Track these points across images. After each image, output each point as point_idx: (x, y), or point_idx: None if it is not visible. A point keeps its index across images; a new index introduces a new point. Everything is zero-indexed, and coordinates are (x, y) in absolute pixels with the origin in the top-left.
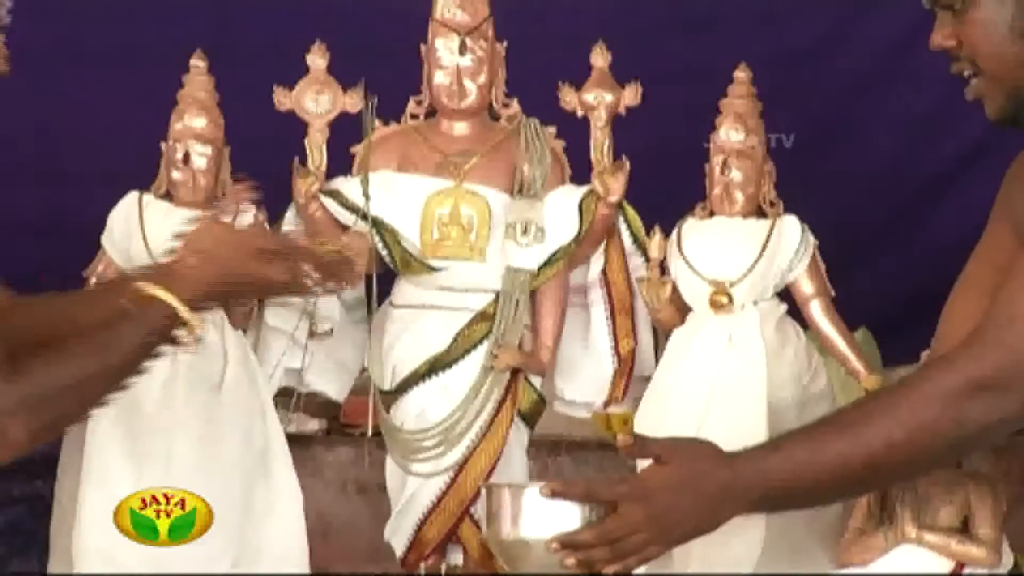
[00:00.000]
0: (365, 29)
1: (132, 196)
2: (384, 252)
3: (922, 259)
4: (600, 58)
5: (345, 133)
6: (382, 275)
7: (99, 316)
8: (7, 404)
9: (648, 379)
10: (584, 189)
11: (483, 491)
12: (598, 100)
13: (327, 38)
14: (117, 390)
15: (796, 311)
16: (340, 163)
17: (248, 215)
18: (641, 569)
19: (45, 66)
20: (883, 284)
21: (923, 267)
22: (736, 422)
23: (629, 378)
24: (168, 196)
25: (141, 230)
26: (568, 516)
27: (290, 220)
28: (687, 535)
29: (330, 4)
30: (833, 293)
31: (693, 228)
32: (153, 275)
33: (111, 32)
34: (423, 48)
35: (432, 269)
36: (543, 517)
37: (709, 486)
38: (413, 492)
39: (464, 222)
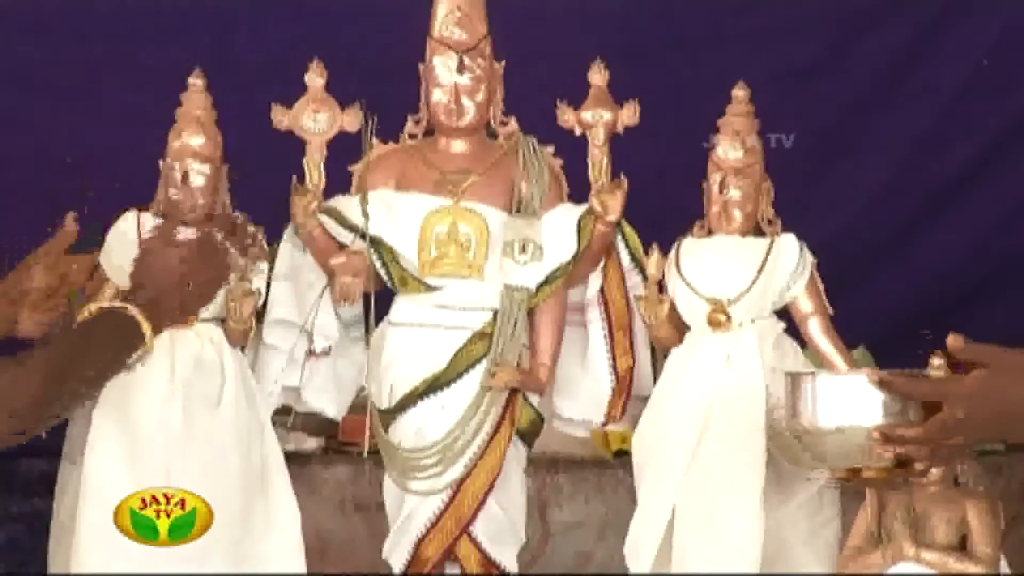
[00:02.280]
0: (363, 48)
1: (130, 214)
2: (382, 270)
3: (921, 277)
4: (598, 77)
5: (343, 151)
6: (380, 293)
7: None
8: None
9: (646, 398)
10: (582, 207)
11: (787, 379)
12: (596, 118)
13: (325, 57)
14: (91, 385)
15: (795, 329)
16: (338, 182)
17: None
18: (642, 569)
19: (44, 84)
20: (882, 302)
21: (922, 285)
22: (734, 440)
23: (627, 396)
24: (166, 215)
25: (139, 249)
26: (868, 408)
27: (288, 238)
28: (991, 439)
29: (328, 23)
30: (832, 311)
31: (691, 246)
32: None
33: (110, 51)
34: (421, 67)
35: (430, 287)
36: (844, 406)
37: (1011, 398)
38: (411, 510)
39: (462, 240)
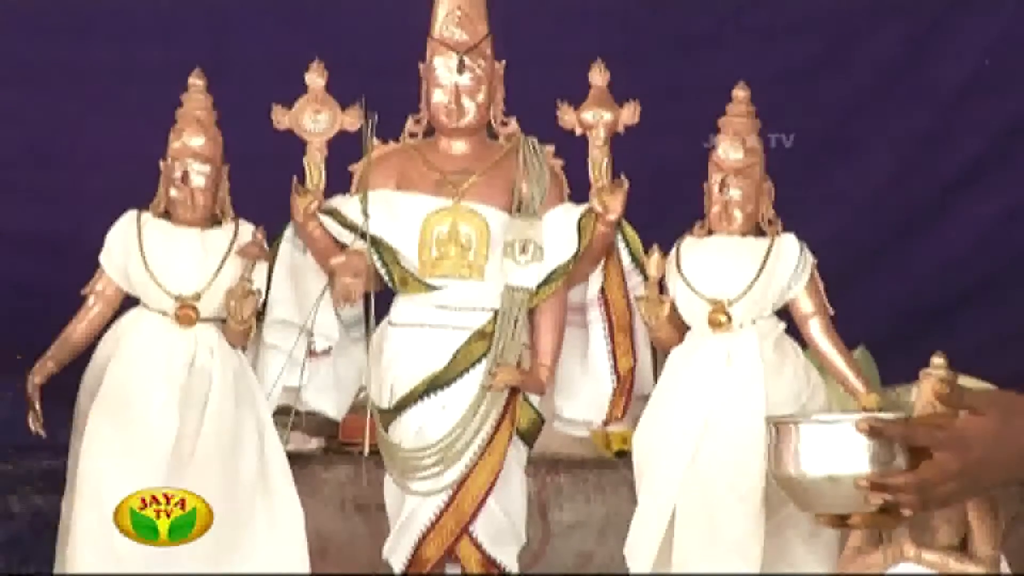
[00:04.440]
0: (363, 47)
1: (131, 214)
2: (383, 270)
3: (921, 277)
4: (599, 76)
5: (343, 151)
6: (380, 294)
7: None
8: None
9: (647, 398)
10: (583, 207)
11: (771, 427)
12: (596, 118)
13: (325, 56)
14: None
15: (795, 329)
16: (338, 182)
17: (248, 232)
18: (643, 569)
19: (44, 84)
20: (882, 302)
21: (922, 285)
22: (735, 441)
23: (628, 397)
24: (167, 214)
25: (139, 248)
26: (855, 456)
27: (288, 238)
28: (995, 485)
29: (328, 22)
30: (832, 311)
31: (692, 246)
32: None
33: (110, 50)
34: (421, 67)
35: (430, 287)
36: (830, 454)
37: (1012, 445)
38: (412, 510)
39: (462, 241)
